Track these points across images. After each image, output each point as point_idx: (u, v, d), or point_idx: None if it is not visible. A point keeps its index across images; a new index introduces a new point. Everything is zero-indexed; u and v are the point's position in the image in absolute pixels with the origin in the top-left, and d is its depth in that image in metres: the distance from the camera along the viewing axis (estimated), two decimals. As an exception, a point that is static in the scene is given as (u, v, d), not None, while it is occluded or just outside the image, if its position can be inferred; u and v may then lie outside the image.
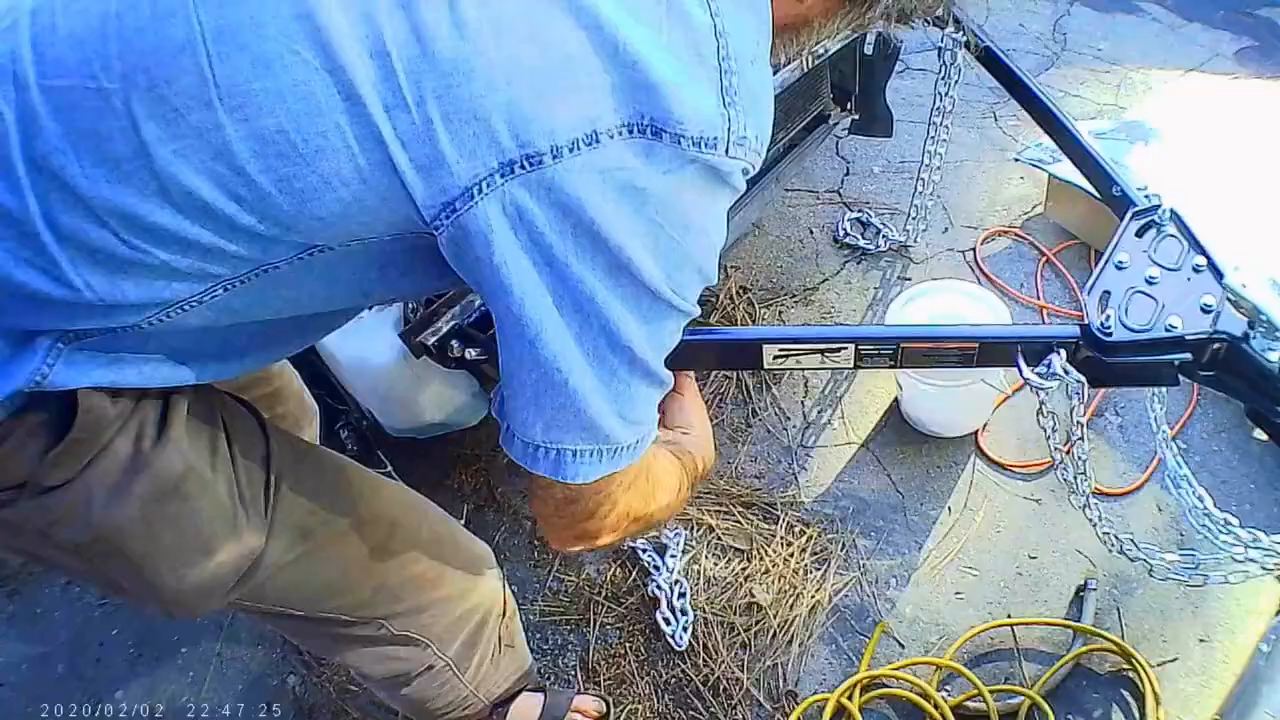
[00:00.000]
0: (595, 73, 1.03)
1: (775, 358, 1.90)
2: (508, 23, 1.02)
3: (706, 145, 1.07)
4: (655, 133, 1.04)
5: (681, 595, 2.68)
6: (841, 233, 3.64)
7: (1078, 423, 1.96)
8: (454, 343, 2.03)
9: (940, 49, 2.87)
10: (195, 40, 1.04)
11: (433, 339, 2.04)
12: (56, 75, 1.08)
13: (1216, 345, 1.77)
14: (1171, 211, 1.98)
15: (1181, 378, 1.86)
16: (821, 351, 1.89)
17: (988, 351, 1.88)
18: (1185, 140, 3.42)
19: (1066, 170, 3.25)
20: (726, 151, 1.09)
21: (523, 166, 1.03)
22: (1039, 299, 3.32)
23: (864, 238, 3.62)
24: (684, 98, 1.04)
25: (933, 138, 3.14)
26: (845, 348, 1.88)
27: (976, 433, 2.98)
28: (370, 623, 1.75)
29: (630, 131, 1.04)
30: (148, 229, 1.10)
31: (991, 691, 2.41)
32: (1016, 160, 3.63)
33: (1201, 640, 2.49)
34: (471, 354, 2.01)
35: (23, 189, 1.09)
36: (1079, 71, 4.35)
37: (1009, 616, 2.59)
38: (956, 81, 2.91)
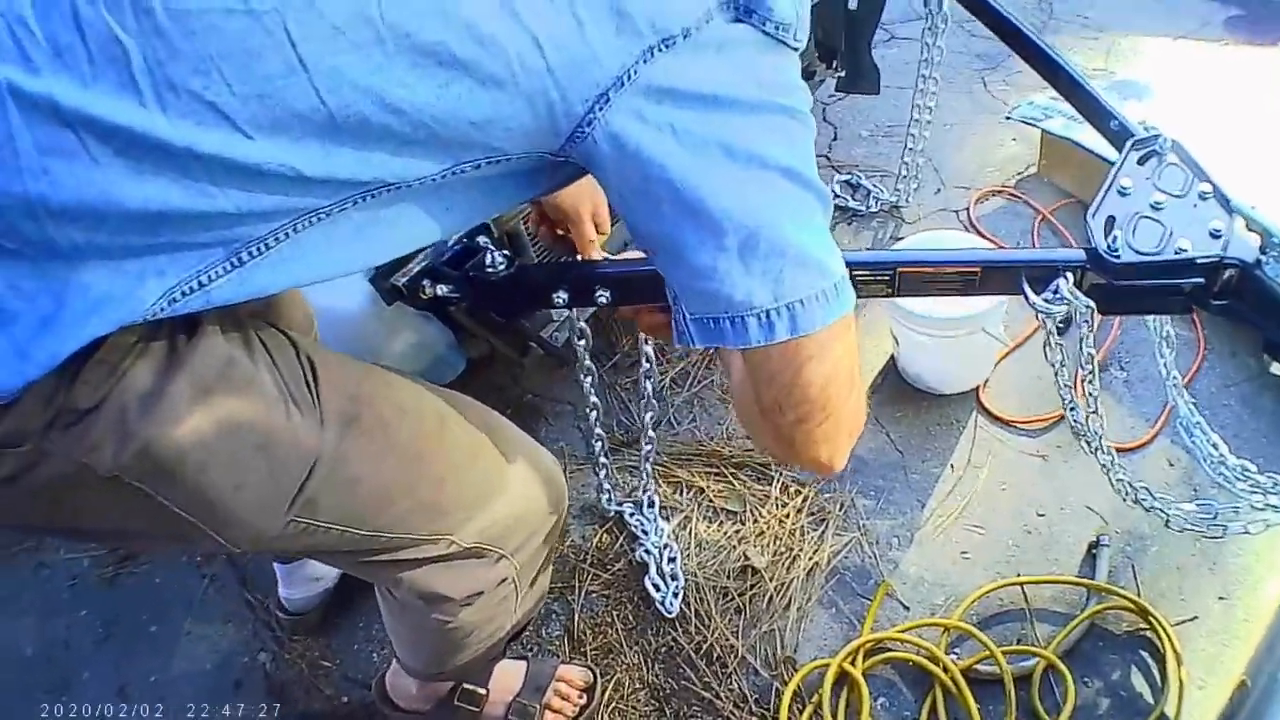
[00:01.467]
0: None
1: (765, 286, 1.81)
2: None
3: (783, 29, 1.21)
4: (748, 13, 1.18)
5: (671, 560, 2.56)
6: (830, 194, 3.51)
7: (1088, 353, 1.87)
8: (425, 282, 1.92)
9: (926, -1, 2.82)
10: None
11: (403, 280, 1.93)
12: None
13: (1228, 271, 1.70)
14: (1173, 141, 1.92)
15: (1188, 320, 1.79)
16: (814, 281, 1.80)
17: (990, 276, 1.80)
18: (1179, 98, 3.34)
19: (1060, 126, 3.22)
20: (795, 35, 1.23)
21: (660, 50, 1.14)
22: (1037, 256, 3.21)
23: (854, 199, 3.54)
24: None
25: (921, 90, 3.10)
26: (839, 275, 1.79)
27: (978, 389, 2.87)
28: (439, 540, 1.64)
29: (728, 7, 1.17)
30: (296, 143, 1.11)
31: (1004, 653, 2.29)
32: (1008, 119, 3.54)
33: (1221, 598, 2.38)
34: (443, 290, 1.91)
35: (157, 113, 1.07)
36: (1066, 39, 4.27)
37: (1018, 576, 2.47)
38: (943, 30, 2.89)
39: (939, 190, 3.55)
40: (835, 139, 3.86)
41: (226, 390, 1.29)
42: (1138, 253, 1.70)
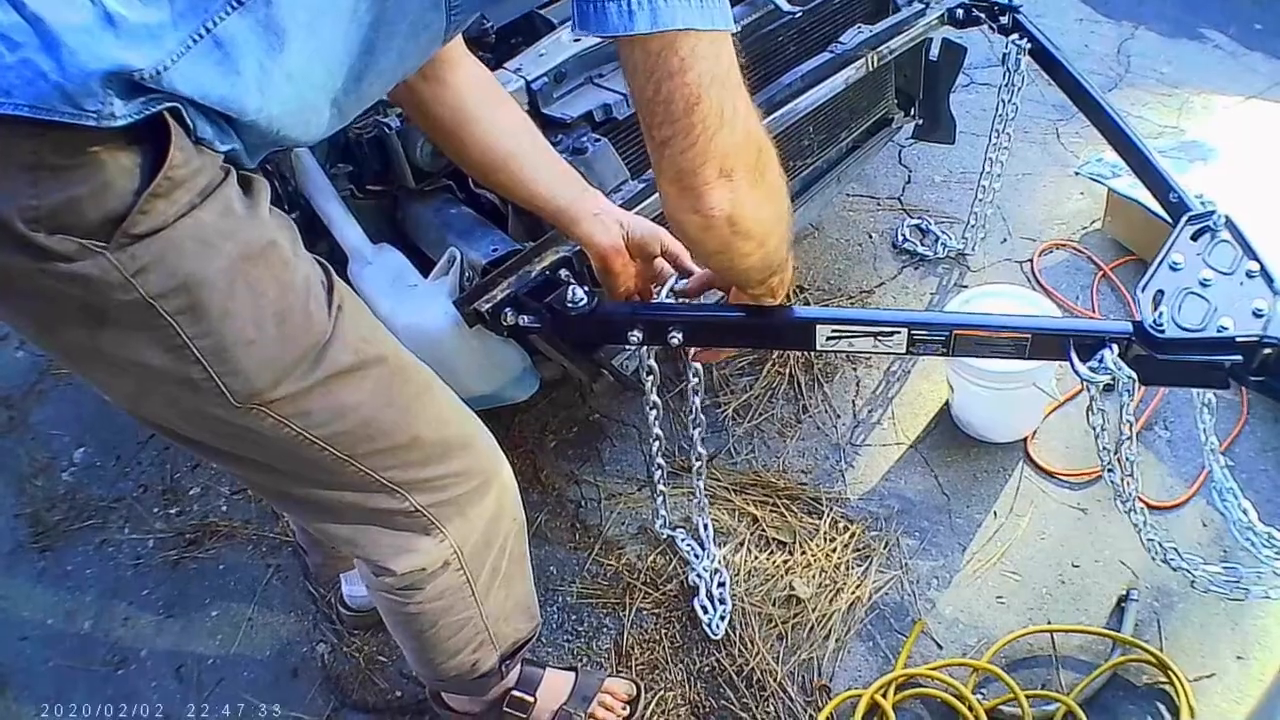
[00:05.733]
0: None
1: (828, 339, 1.90)
2: None
3: None
4: None
5: (721, 584, 2.66)
6: (900, 238, 3.63)
7: (1127, 421, 1.94)
8: (507, 310, 2.04)
9: (1004, 55, 2.89)
10: None
11: (487, 306, 2.04)
12: None
13: (1267, 350, 1.77)
14: (1226, 218, 1.99)
15: (1232, 384, 1.85)
16: (874, 335, 1.89)
17: (1040, 343, 1.88)
18: (1244, 161, 3.39)
19: (1126, 185, 3.27)
20: None
21: None
22: (1094, 312, 3.28)
23: (922, 244, 3.61)
24: None
25: (994, 144, 3.14)
26: (898, 332, 1.89)
27: (1026, 439, 2.95)
28: (396, 492, 1.70)
29: None
30: None
31: (1028, 697, 2.38)
32: (1077, 174, 3.61)
33: (1239, 657, 2.45)
34: (525, 320, 2.02)
35: None
36: (1141, 94, 4.33)
37: (1049, 623, 2.56)
38: (1019, 88, 2.93)
39: (1005, 240, 3.62)
40: (909, 182, 3.94)
41: (266, 264, 1.37)
42: (1181, 329, 1.77)
